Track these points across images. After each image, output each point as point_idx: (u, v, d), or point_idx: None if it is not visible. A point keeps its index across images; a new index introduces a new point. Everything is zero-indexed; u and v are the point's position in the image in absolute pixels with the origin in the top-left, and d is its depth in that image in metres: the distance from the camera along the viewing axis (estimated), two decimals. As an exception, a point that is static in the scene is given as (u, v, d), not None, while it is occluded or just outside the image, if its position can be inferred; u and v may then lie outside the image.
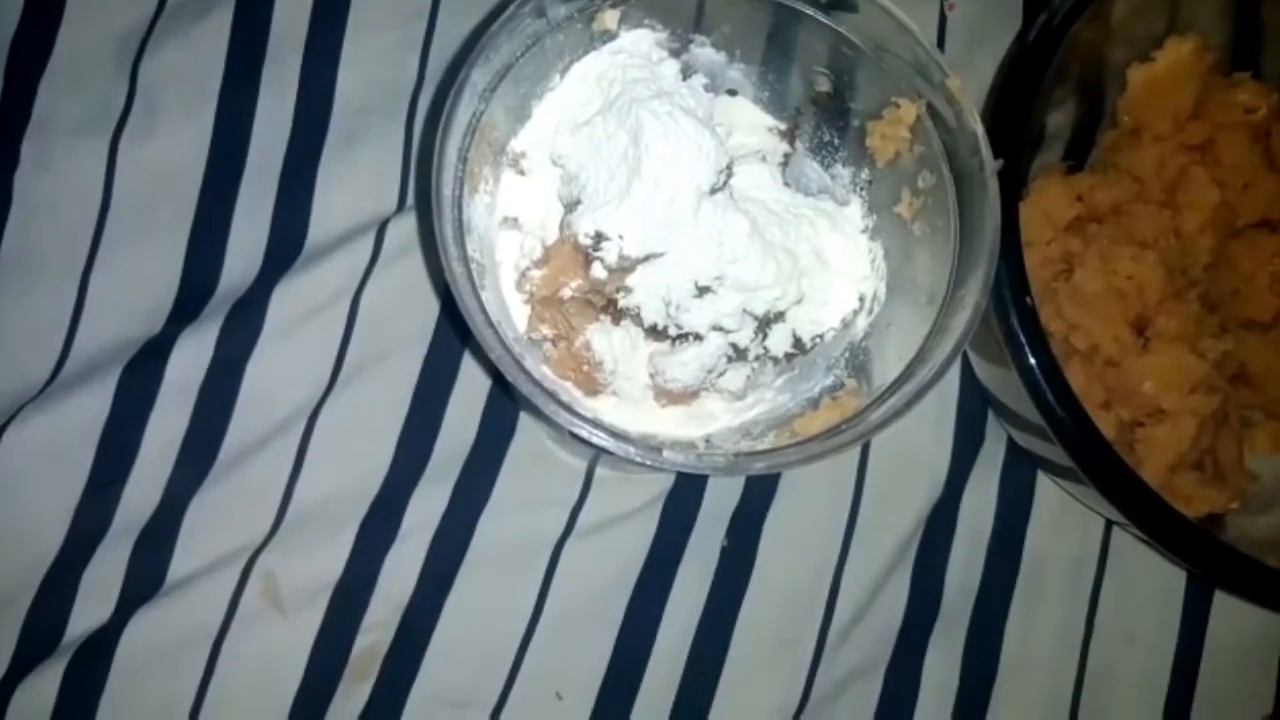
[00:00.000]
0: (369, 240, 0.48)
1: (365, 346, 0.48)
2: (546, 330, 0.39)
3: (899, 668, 0.48)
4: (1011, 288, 0.40)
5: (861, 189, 0.41)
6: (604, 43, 0.39)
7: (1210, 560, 0.41)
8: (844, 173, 0.42)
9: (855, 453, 0.50)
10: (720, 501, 0.49)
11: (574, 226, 0.36)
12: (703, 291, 0.36)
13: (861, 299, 0.40)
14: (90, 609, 0.45)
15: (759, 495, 0.49)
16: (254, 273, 0.48)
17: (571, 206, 0.38)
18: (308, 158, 0.49)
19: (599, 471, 0.48)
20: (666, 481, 0.48)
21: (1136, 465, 0.43)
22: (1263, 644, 0.50)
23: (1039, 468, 0.50)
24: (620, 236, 0.35)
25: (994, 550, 0.49)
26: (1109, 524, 0.50)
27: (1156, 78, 0.48)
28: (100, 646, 0.44)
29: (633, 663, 0.47)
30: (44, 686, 0.44)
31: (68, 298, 0.47)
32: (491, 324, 0.35)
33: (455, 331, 0.48)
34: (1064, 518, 0.50)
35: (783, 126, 0.42)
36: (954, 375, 0.50)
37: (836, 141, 0.42)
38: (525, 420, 0.48)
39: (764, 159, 0.41)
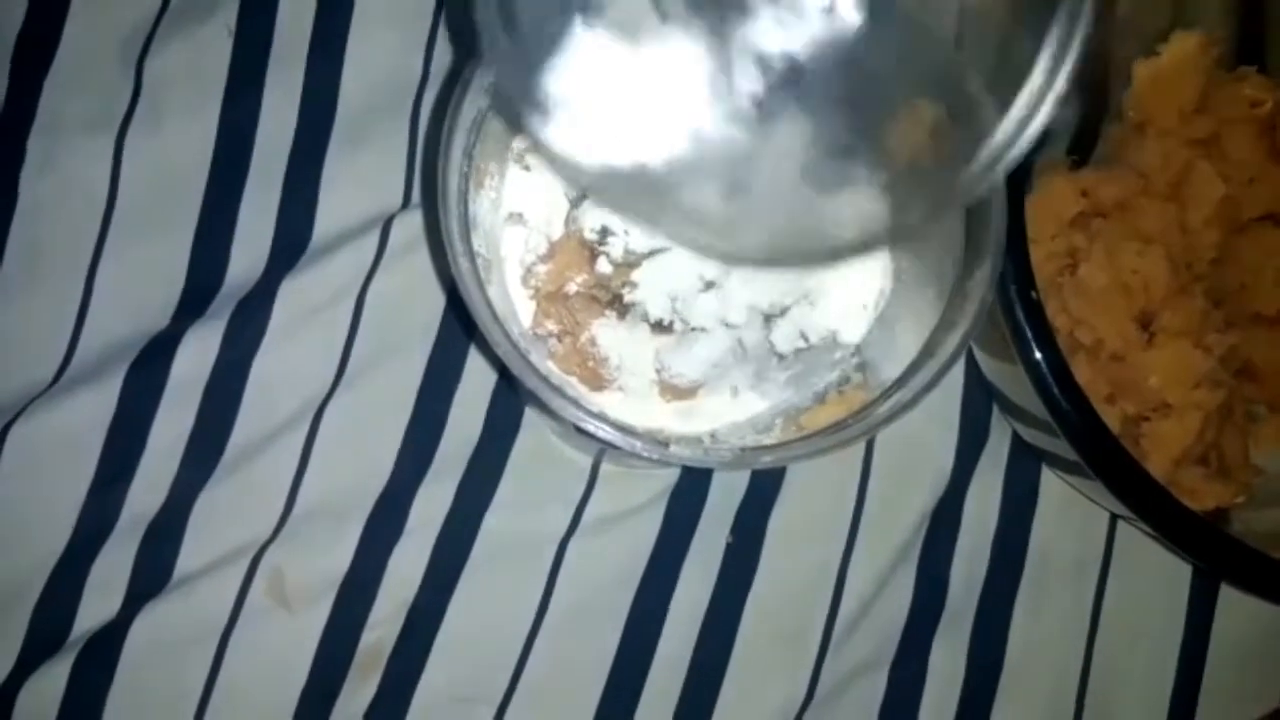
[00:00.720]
0: (374, 237, 0.48)
1: (371, 343, 0.48)
2: (552, 326, 0.40)
3: (904, 663, 0.48)
4: (1017, 283, 0.40)
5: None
6: (609, 38, 0.39)
7: (1216, 554, 0.41)
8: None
9: (859, 449, 0.50)
10: (725, 498, 0.49)
11: (579, 221, 0.36)
12: (709, 286, 0.36)
13: (868, 294, 0.40)
14: (97, 605, 0.45)
15: (763, 492, 0.49)
16: (259, 270, 0.48)
17: (577, 202, 0.38)
18: (313, 155, 0.49)
19: (604, 468, 0.48)
20: (671, 478, 0.49)
21: (1142, 460, 0.43)
22: (1269, 639, 0.50)
23: (1044, 463, 0.50)
24: (626, 231, 0.35)
25: (999, 545, 0.50)
26: (1114, 519, 0.50)
27: (1161, 72, 0.48)
28: (107, 642, 0.44)
29: (638, 658, 0.47)
30: (51, 682, 0.44)
31: (73, 295, 0.47)
32: (497, 319, 0.35)
33: (461, 327, 0.48)
34: (1069, 513, 0.50)
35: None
36: (959, 371, 0.50)
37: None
38: (530, 416, 0.48)
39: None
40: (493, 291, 0.36)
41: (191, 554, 0.46)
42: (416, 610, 0.46)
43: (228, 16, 0.50)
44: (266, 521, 0.46)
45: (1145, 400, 0.45)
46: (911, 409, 0.35)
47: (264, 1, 0.50)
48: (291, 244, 0.49)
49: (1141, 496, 0.40)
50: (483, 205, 0.38)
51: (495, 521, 0.47)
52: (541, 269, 0.39)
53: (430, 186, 0.49)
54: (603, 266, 0.36)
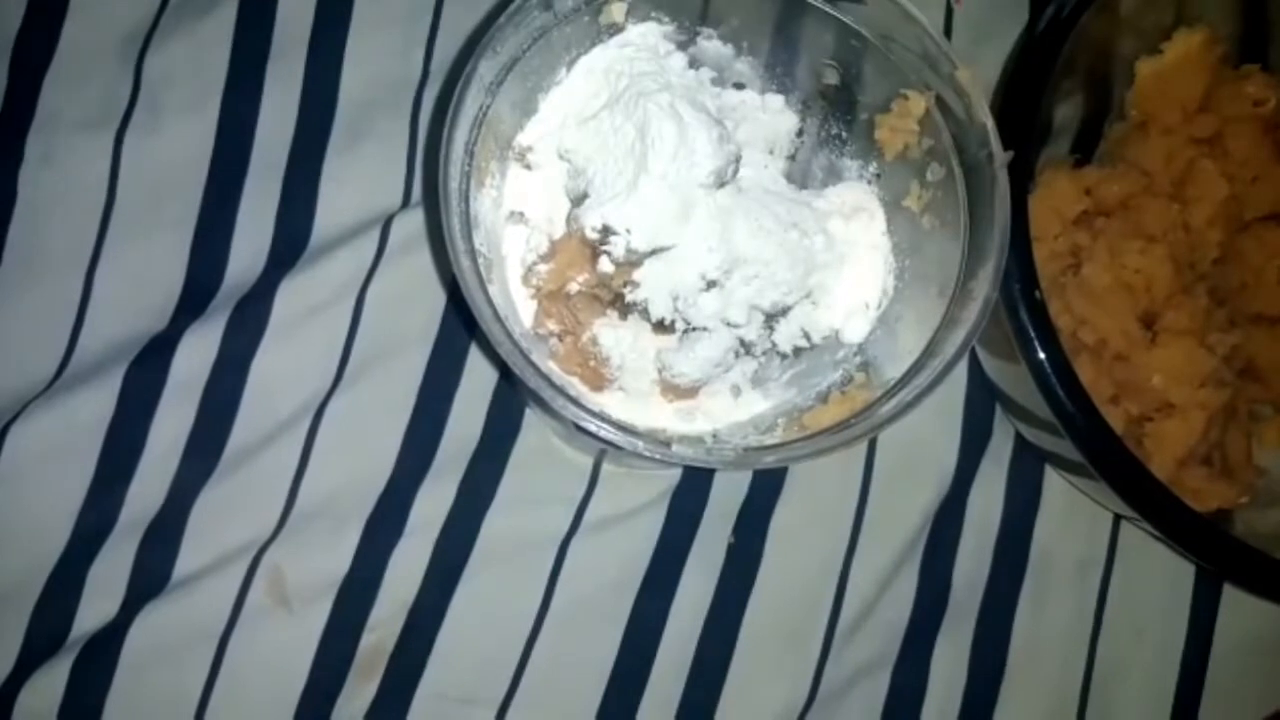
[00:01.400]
0: (374, 236, 0.48)
1: (371, 342, 0.48)
2: (553, 325, 0.39)
3: (907, 664, 0.48)
4: (1020, 282, 0.40)
5: (870, 182, 0.41)
6: (611, 36, 0.39)
7: (1219, 554, 0.41)
8: (852, 166, 0.42)
9: (862, 449, 0.49)
10: (727, 498, 0.48)
11: (581, 220, 0.36)
12: (710, 285, 0.36)
13: (871, 293, 0.40)
14: (97, 605, 0.45)
15: (765, 492, 0.49)
16: (259, 269, 0.48)
17: (578, 200, 0.38)
18: (312, 153, 0.49)
19: (605, 468, 0.48)
20: (673, 478, 0.48)
21: (1145, 460, 0.43)
22: (1271, 638, 0.50)
23: (1047, 463, 0.50)
24: (627, 230, 0.35)
25: (1002, 546, 0.49)
26: (1117, 519, 0.50)
27: (1165, 70, 0.48)
28: (107, 643, 0.44)
29: (639, 659, 0.47)
30: (51, 682, 0.44)
31: (73, 294, 0.47)
32: (499, 318, 0.34)
33: (461, 326, 0.48)
34: (1072, 513, 0.50)
35: (790, 119, 0.42)
36: (961, 370, 0.50)
37: (845, 134, 0.42)
38: (531, 416, 0.48)
39: (771, 152, 0.40)
40: (494, 290, 0.36)
41: (191, 554, 0.45)
42: (417, 610, 0.46)
43: (228, 14, 0.50)
44: (266, 521, 0.46)
45: (1148, 400, 0.45)
46: (914, 409, 0.35)
47: (263, -1, 0.50)
48: (291, 243, 0.48)
49: (1145, 497, 0.40)
50: (484, 203, 0.38)
51: (496, 522, 0.47)
52: (543, 268, 0.38)
53: (431, 184, 0.49)
54: (604, 266, 0.36)
